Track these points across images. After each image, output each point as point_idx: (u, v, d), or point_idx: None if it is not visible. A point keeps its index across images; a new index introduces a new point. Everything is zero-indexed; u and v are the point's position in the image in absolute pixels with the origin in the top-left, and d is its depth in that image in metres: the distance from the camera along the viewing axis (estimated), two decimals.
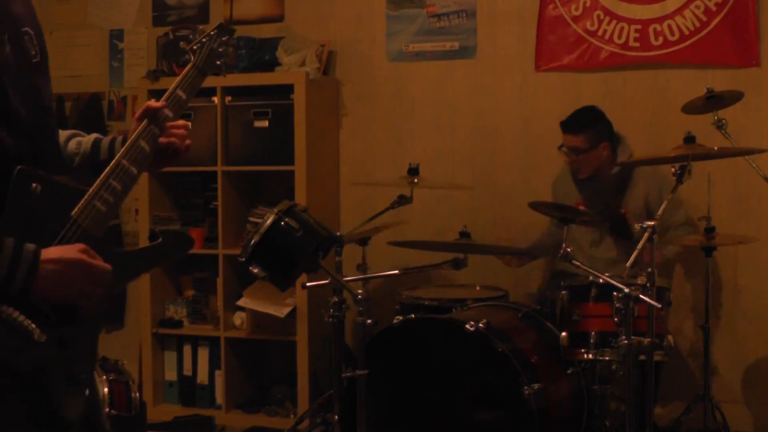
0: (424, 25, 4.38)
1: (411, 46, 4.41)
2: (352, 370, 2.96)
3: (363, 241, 3.70)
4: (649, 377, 2.84)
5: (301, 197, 4.06)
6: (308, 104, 4.15)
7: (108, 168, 1.59)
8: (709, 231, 3.45)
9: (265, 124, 4.22)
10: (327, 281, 3.15)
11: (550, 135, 4.21)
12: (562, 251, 2.92)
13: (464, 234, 3.59)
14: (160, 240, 1.67)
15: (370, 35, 4.46)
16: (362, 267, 3.67)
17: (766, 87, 3.92)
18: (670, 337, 2.94)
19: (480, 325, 2.99)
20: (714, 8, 3.95)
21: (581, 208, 3.78)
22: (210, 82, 4.66)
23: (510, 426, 2.96)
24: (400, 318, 3.25)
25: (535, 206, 3.45)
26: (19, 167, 1.46)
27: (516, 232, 4.20)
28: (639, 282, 2.76)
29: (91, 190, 1.55)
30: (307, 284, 3.45)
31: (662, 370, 3.59)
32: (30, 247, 1.42)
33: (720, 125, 3.44)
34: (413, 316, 3.29)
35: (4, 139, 1.46)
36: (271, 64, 4.32)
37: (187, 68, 1.78)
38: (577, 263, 2.95)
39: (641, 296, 2.69)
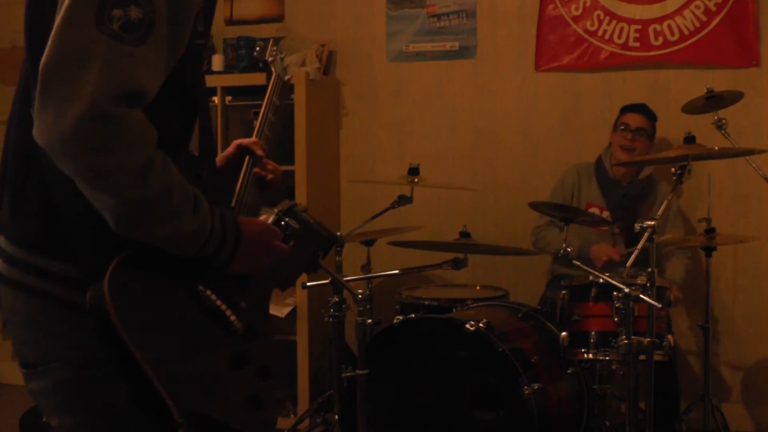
0: (424, 25, 4.38)
1: (411, 46, 4.41)
2: (352, 370, 2.95)
3: (368, 242, 3.70)
4: (650, 377, 2.84)
5: (301, 197, 4.06)
6: (308, 104, 4.15)
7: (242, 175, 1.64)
8: (710, 231, 3.45)
9: None
10: (327, 281, 3.15)
11: (550, 135, 4.22)
12: (562, 251, 2.92)
13: (464, 234, 3.59)
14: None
15: (370, 35, 4.46)
16: (366, 268, 3.67)
17: (766, 87, 3.92)
18: (670, 337, 2.94)
19: (480, 324, 2.98)
20: (714, 8, 3.95)
21: (594, 210, 3.78)
22: (210, 82, 4.66)
23: (510, 426, 2.96)
24: (400, 318, 3.25)
25: (535, 206, 3.45)
26: (186, 152, 1.47)
27: (516, 232, 4.20)
28: (639, 282, 2.76)
29: (239, 185, 1.59)
30: (307, 284, 3.45)
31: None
32: (231, 217, 1.41)
33: (720, 125, 3.44)
34: (413, 316, 3.29)
35: (181, 130, 1.45)
36: None
37: (272, 79, 1.86)
38: (577, 263, 2.95)
39: (641, 296, 2.68)
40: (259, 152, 1.67)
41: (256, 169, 1.67)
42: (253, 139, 1.70)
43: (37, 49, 1.30)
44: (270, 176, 1.69)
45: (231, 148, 1.71)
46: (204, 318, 1.37)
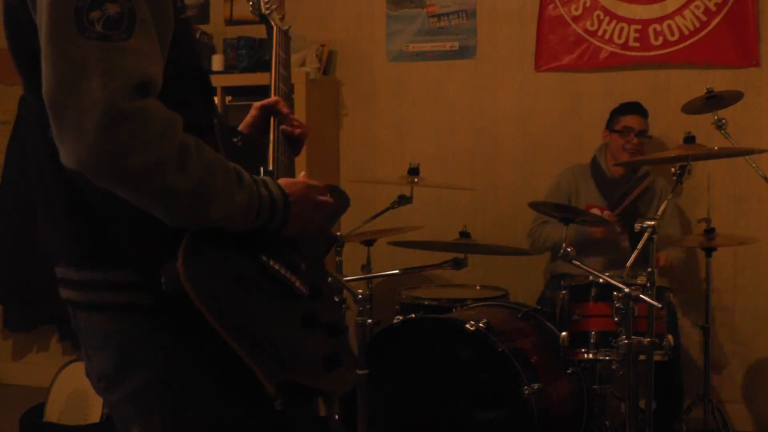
0: (424, 25, 4.38)
1: (411, 46, 4.41)
2: None
3: (368, 242, 3.70)
4: (650, 377, 2.84)
5: None
6: (308, 104, 4.15)
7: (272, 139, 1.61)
8: (709, 232, 3.45)
9: None
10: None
11: (550, 135, 4.22)
12: (562, 251, 2.92)
13: (464, 234, 3.59)
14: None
15: (370, 35, 4.46)
16: (366, 268, 3.67)
17: (766, 87, 3.92)
18: (670, 337, 2.94)
19: (480, 324, 2.99)
20: (714, 8, 3.95)
21: (596, 211, 3.77)
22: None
23: (510, 426, 2.96)
24: (400, 318, 3.25)
25: (535, 206, 3.45)
26: (216, 120, 1.45)
27: (516, 232, 4.20)
28: (639, 282, 2.76)
29: (271, 146, 1.57)
30: None
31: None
32: (273, 181, 1.40)
33: (720, 125, 3.44)
34: (413, 316, 3.29)
35: (201, 109, 1.44)
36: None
37: (274, 32, 1.81)
38: (577, 263, 2.95)
39: (641, 296, 2.68)
40: (285, 110, 1.66)
41: (283, 127, 1.65)
42: (274, 98, 1.68)
43: (22, 55, 1.30)
44: (298, 131, 1.67)
45: (253, 112, 1.69)
46: (272, 286, 1.38)
